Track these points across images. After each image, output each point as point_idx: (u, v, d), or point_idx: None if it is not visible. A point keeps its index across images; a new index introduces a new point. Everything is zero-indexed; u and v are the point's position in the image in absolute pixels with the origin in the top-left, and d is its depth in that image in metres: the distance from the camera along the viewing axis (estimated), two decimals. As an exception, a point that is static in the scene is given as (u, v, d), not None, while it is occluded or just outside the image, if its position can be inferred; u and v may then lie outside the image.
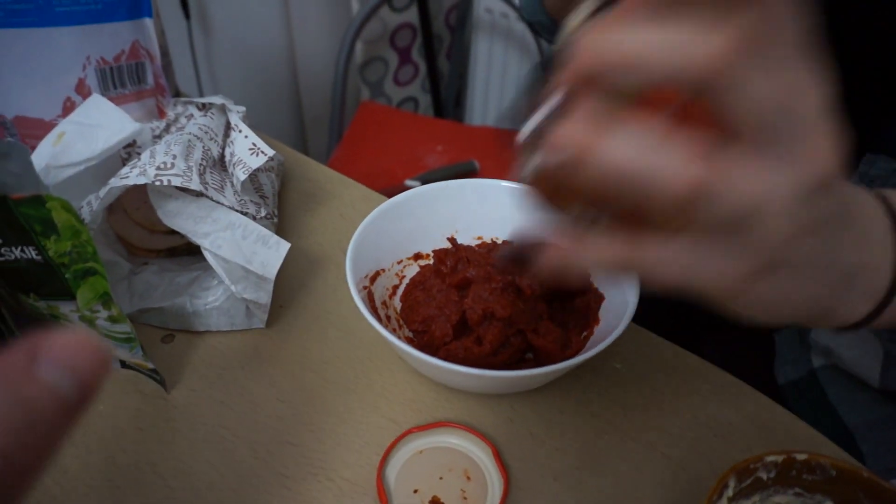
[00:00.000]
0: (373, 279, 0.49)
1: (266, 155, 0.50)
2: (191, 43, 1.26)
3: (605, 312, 0.48)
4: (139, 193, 0.52)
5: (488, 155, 1.28)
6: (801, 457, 0.34)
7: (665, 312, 0.76)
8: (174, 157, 0.48)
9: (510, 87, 1.50)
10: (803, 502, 0.36)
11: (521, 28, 1.39)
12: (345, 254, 0.55)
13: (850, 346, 0.58)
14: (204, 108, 0.60)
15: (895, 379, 0.56)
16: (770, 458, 0.34)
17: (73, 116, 0.52)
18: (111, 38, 0.59)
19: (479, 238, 0.54)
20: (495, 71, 1.50)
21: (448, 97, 1.63)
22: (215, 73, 1.35)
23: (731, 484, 0.34)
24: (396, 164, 1.26)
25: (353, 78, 1.50)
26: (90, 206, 0.47)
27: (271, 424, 0.44)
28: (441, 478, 0.40)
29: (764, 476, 0.35)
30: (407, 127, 1.37)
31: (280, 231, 0.59)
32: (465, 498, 0.40)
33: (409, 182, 1.18)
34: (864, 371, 0.57)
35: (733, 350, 0.70)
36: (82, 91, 0.59)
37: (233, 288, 0.47)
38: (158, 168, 0.47)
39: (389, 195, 0.53)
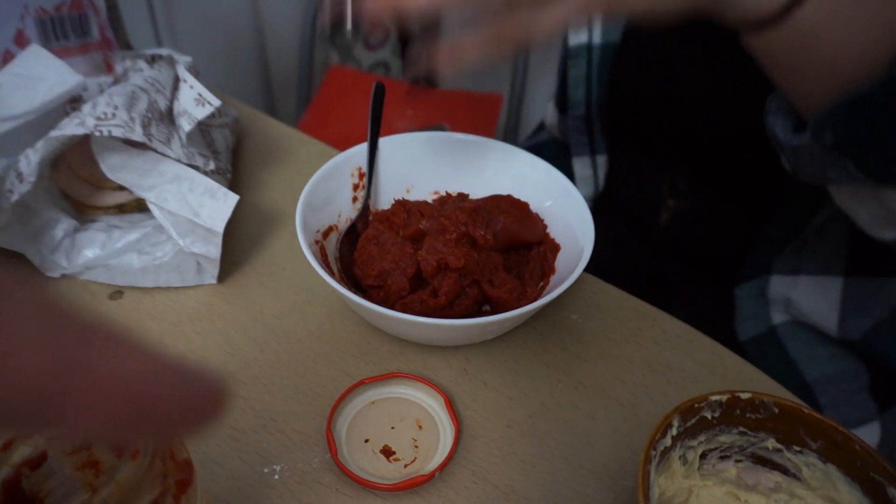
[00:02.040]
0: (325, 234, 0.48)
1: (212, 105, 0.48)
2: (149, 3, 1.22)
3: (560, 263, 0.47)
4: (84, 149, 0.50)
5: (459, 118, 1.27)
6: (744, 395, 0.35)
7: (634, 271, 0.76)
8: (115, 107, 0.46)
9: (482, 50, 1.48)
10: (747, 440, 0.36)
11: (492, -11, 1.37)
12: (299, 209, 0.54)
13: (807, 294, 0.58)
14: (152, 60, 0.58)
15: (852, 328, 0.57)
16: (714, 398, 0.34)
17: (9, 67, 0.49)
18: (50, -13, 0.56)
19: (436, 193, 0.54)
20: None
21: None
22: (177, 36, 1.31)
23: (675, 423, 0.34)
24: (366, 128, 1.24)
25: (322, 42, 1.47)
26: (27, 158, 0.45)
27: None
28: (393, 427, 0.40)
29: (709, 415, 0.35)
30: (377, 91, 1.35)
31: (234, 187, 0.57)
32: (416, 447, 0.39)
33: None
34: (822, 321, 0.57)
35: (700, 308, 0.71)
36: (21, 43, 0.56)
37: (180, 242, 0.46)
38: (98, 118, 0.45)
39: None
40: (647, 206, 0.75)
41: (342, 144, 0.67)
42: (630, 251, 0.78)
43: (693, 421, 0.35)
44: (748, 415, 0.35)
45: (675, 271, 0.76)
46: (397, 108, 1.28)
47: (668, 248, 0.75)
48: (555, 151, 0.86)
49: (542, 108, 1.43)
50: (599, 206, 0.79)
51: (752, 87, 0.61)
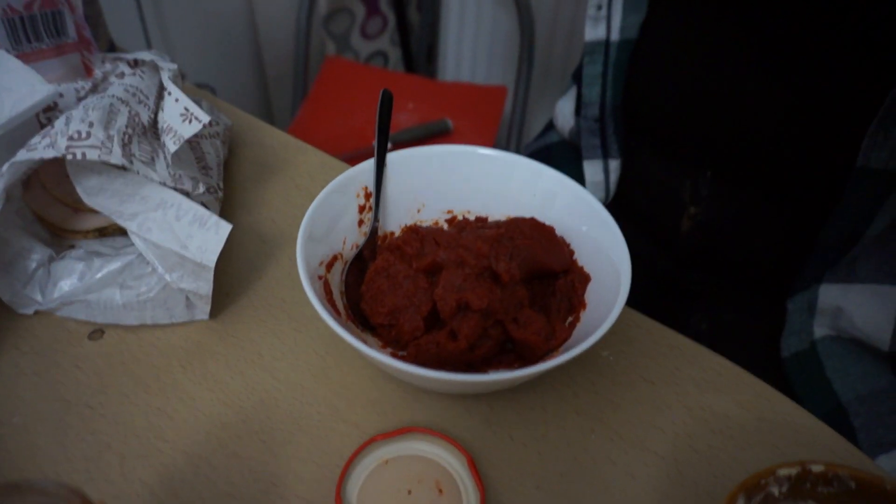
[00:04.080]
0: (329, 266, 0.43)
1: (200, 122, 0.43)
2: (136, -7, 1.15)
3: (591, 295, 0.43)
4: (60, 166, 0.45)
5: (463, 112, 1.21)
6: (816, 468, 0.30)
7: (650, 280, 0.72)
8: (91, 124, 0.41)
9: (484, 40, 1.42)
10: (817, 516, 0.32)
11: (495, -25, 1.30)
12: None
13: (861, 303, 0.54)
14: (135, 64, 0.53)
15: None
16: (783, 472, 0.30)
17: (-29, 77, 0.44)
18: (18, -17, 0.50)
19: (450, 212, 0.49)
20: (468, 23, 1.41)
21: (419, 51, 1.54)
22: (166, 29, 1.24)
23: (741, 503, 0.29)
24: (365, 123, 1.18)
25: (318, 31, 1.40)
26: (-8, 184, 0.40)
27: (216, 434, 0.38)
28: (410, 491, 0.36)
29: (776, 491, 0.30)
30: (376, 83, 1.29)
31: (226, 206, 0.52)
32: (436, 514, 0.35)
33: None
34: (874, 332, 0.54)
35: (727, 320, 0.66)
36: (-12, 47, 0.51)
37: (167, 277, 0.41)
38: (71, 138, 0.40)
39: (355, 160, 0.47)
40: (665, 214, 0.70)
41: (341, 140, 0.62)
42: (646, 260, 0.73)
43: (759, 498, 0.30)
44: (820, 489, 0.31)
45: (696, 281, 0.71)
46: (398, 102, 1.23)
47: (690, 257, 0.70)
48: (564, 154, 0.81)
49: (548, 103, 1.38)
50: (611, 213, 0.74)
51: (792, 84, 0.56)
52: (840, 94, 0.54)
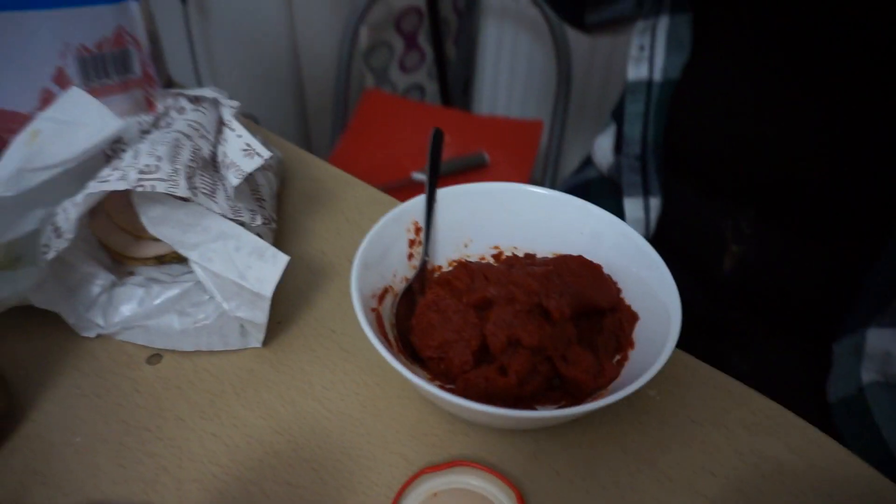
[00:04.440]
0: (381, 298, 0.44)
1: (262, 157, 0.45)
2: (188, 29, 1.20)
3: (639, 334, 0.43)
4: (124, 196, 0.47)
5: (498, 145, 1.23)
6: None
7: (691, 319, 0.71)
8: (159, 158, 0.43)
9: (520, 74, 1.44)
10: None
11: (532, 12, 1.33)
12: (350, 262, 0.51)
13: None
14: (196, 101, 0.55)
15: None
16: (843, 521, 0.30)
17: (49, 112, 0.46)
18: (92, 24, 0.53)
19: (496, 248, 0.50)
20: (505, 57, 1.44)
21: (456, 85, 1.57)
22: (214, 62, 1.29)
23: (800, 552, 0.29)
24: (403, 155, 1.21)
25: (357, 64, 1.44)
26: (65, 213, 0.42)
27: (268, 461, 0.39)
28: (458, 526, 0.36)
29: (836, 541, 0.30)
30: (413, 116, 1.32)
31: (279, 237, 0.54)
32: (485, 550, 0.35)
33: (415, 175, 1.12)
34: None
35: (770, 361, 0.65)
36: (61, 81, 0.54)
37: (225, 305, 0.43)
38: (141, 171, 0.42)
39: (394, 191, 0.48)
40: (706, 252, 0.70)
41: (379, 171, 0.64)
42: (686, 298, 0.73)
43: (817, 547, 0.30)
44: (881, 540, 0.30)
45: (737, 321, 0.70)
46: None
47: (731, 296, 0.70)
48: (603, 190, 0.82)
49: (584, 137, 1.39)
50: None
51: (837, 126, 0.56)
52: (884, 134, 0.54)
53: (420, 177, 1.11)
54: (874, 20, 0.51)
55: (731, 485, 0.39)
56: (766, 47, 0.60)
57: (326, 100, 1.42)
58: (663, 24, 0.69)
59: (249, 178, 0.52)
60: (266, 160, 0.45)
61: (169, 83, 0.72)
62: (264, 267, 0.42)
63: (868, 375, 0.57)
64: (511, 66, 1.45)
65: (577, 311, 0.43)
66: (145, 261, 0.50)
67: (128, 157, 0.44)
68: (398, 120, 1.30)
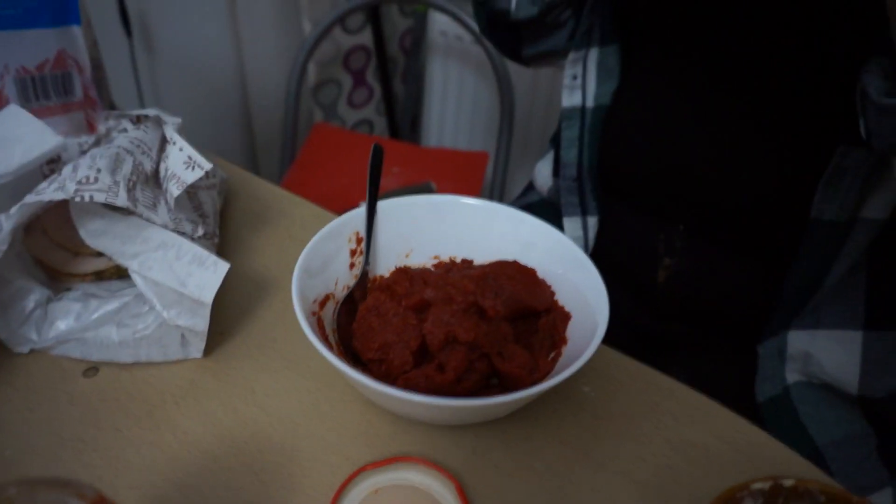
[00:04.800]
0: (322, 304, 0.45)
1: (202, 169, 0.46)
2: (133, 62, 1.20)
3: (572, 332, 0.45)
4: (62, 212, 0.47)
5: (446, 176, 1.26)
6: (787, 483, 0.32)
7: (630, 332, 0.74)
8: (99, 170, 0.43)
9: (466, 109, 1.49)
10: (791, 532, 0.33)
11: (476, 50, 1.39)
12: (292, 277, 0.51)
13: (827, 349, 0.57)
14: (138, 121, 0.56)
15: (873, 386, 0.55)
16: (756, 486, 0.32)
17: (-15, 128, 0.46)
18: (34, 46, 0.54)
19: (436, 258, 0.51)
20: (451, 93, 1.49)
21: (404, 120, 1.61)
22: (160, 95, 1.30)
23: (717, 516, 0.31)
24: (351, 186, 1.22)
25: (306, 100, 1.47)
26: None
27: (208, 467, 0.39)
28: (399, 520, 0.36)
29: (750, 505, 0.32)
30: (361, 148, 1.34)
31: (222, 252, 0.54)
32: (426, 542, 0.36)
33: (363, 204, 1.14)
34: (842, 377, 0.56)
35: (705, 369, 0.68)
36: (0, 101, 0.54)
37: (165, 314, 0.43)
38: (80, 182, 0.42)
39: (343, 218, 0.50)
40: (642, 266, 0.73)
41: (327, 202, 0.65)
42: (624, 312, 0.76)
43: (734, 512, 0.32)
44: (792, 503, 0.32)
45: (674, 332, 0.74)
46: (384, 166, 1.28)
47: (667, 308, 0.73)
48: (545, 212, 0.85)
49: (527, 166, 1.44)
50: None
51: (751, 146, 0.61)
52: (794, 154, 0.59)
53: (368, 206, 1.12)
54: (794, 47, 0.56)
55: (663, 471, 0.41)
56: (688, 74, 0.65)
57: (275, 133, 1.43)
58: (593, 55, 0.74)
59: (192, 196, 0.53)
60: (207, 170, 0.46)
61: (111, 108, 0.73)
62: (205, 274, 0.42)
63: (792, 376, 0.60)
64: (457, 101, 1.50)
65: (513, 312, 0.45)
66: (84, 277, 0.49)
67: (66, 170, 0.44)
68: (347, 152, 1.33)
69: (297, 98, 1.30)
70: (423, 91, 1.53)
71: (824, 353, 0.58)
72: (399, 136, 1.59)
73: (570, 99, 0.75)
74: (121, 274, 0.49)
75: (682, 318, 0.72)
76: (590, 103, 0.74)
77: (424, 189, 1.20)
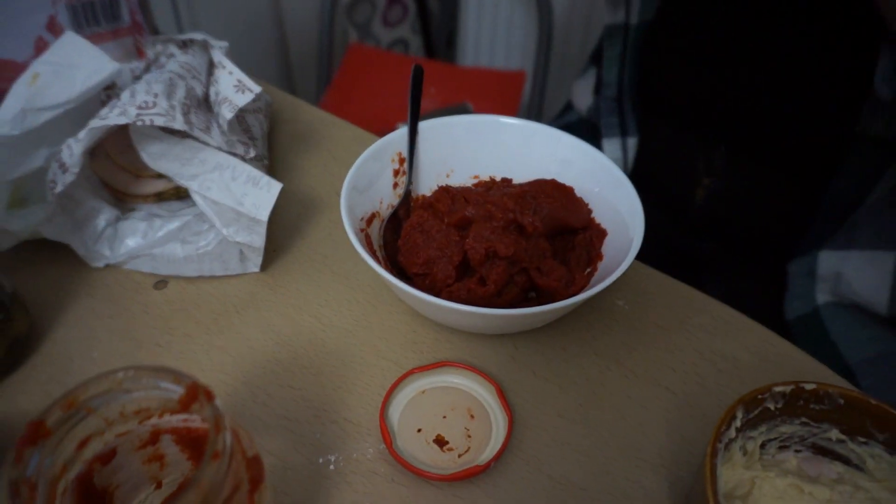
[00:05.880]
0: (368, 221, 0.47)
1: (252, 92, 0.47)
2: (169, -17, 1.20)
3: (607, 248, 0.46)
4: (123, 137, 0.50)
5: (482, 96, 1.25)
6: (808, 386, 0.34)
7: (666, 251, 0.75)
8: (156, 95, 0.45)
9: (503, 25, 1.45)
10: (809, 431, 0.35)
11: (513, -37, 1.34)
12: (338, 197, 0.54)
13: (859, 269, 0.57)
14: (184, 45, 0.57)
15: None
16: (778, 389, 0.34)
17: (46, 56, 0.49)
18: (82, -29, 0.55)
19: (476, 177, 0.53)
20: (487, 10, 1.45)
21: (439, 38, 1.58)
22: (196, 15, 1.30)
23: (739, 415, 0.33)
24: (387, 107, 1.22)
25: (340, 19, 1.45)
26: (69, 149, 0.45)
27: (270, 368, 0.43)
28: (444, 417, 0.40)
29: (771, 406, 0.34)
30: (397, 69, 1.33)
31: (271, 174, 0.57)
32: (469, 436, 0.39)
33: (400, 125, 1.15)
34: (872, 296, 0.57)
35: (738, 287, 0.70)
36: (54, 29, 0.56)
37: (224, 231, 0.46)
38: (139, 107, 0.44)
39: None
40: (680, 185, 0.74)
41: (364, 123, 0.66)
42: (661, 231, 0.77)
43: (756, 412, 0.34)
44: (812, 406, 0.34)
45: (709, 250, 0.75)
46: (419, 87, 1.27)
47: (702, 226, 0.74)
48: (584, 132, 0.85)
49: (566, 85, 1.41)
50: None
51: (796, 59, 0.60)
52: (840, 66, 0.57)
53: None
54: None
55: (691, 378, 0.44)
56: None
57: (310, 54, 1.43)
58: None
59: (241, 120, 0.55)
60: (256, 94, 0.47)
61: (155, 33, 0.74)
62: (259, 194, 0.45)
63: (822, 296, 0.61)
64: (493, 17, 1.45)
65: (551, 229, 0.46)
66: (145, 198, 0.53)
67: (125, 96, 0.47)
68: (383, 73, 1.32)
69: (331, 17, 1.29)
70: (459, 8, 1.49)
71: (855, 273, 0.58)
72: (435, 54, 1.56)
73: (614, 16, 0.73)
74: (179, 195, 0.53)
75: (716, 236, 0.73)
76: (634, 20, 0.72)
77: (461, 110, 1.20)
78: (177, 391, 0.26)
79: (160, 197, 0.53)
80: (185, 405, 0.26)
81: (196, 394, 0.26)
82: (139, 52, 0.63)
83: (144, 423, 0.29)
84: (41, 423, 0.24)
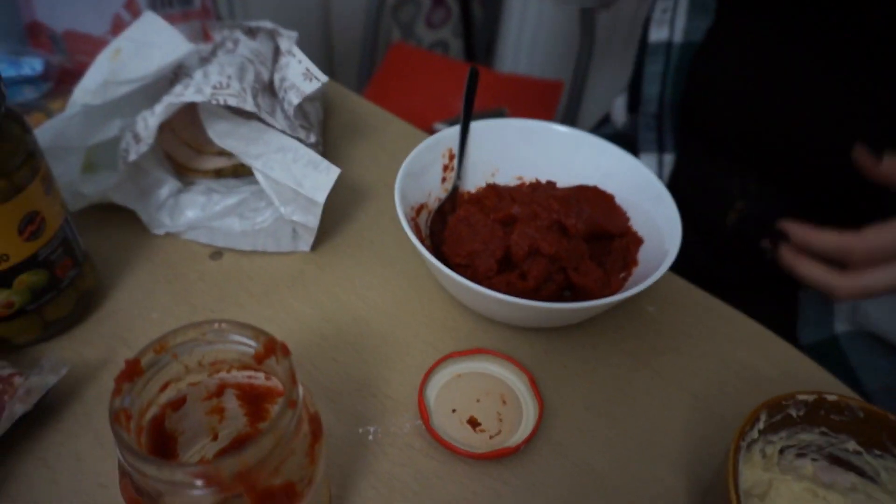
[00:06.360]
0: (418, 211, 0.50)
1: (319, 81, 0.50)
2: (224, -28, 1.24)
3: (643, 255, 0.49)
4: (187, 113, 0.53)
5: (519, 103, 1.27)
6: (831, 398, 0.36)
7: (689, 269, 0.77)
8: (229, 77, 0.48)
9: (544, 37, 1.48)
10: (827, 441, 0.37)
11: (559, -26, 1.36)
12: (385, 187, 0.57)
13: (878, 301, 0.58)
14: (251, 32, 0.60)
15: None
16: (801, 397, 0.36)
17: (129, 33, 0.52)
18: (162, -44, 0.58)
19: (520, 178, 0.55)
20: (529, 19, 1.47)
21: (480, 43, 1.60)
22: (248, 6, 1.33)
23: (763, 418, 0.35)
24: (425, 106, 1.25)
25: (385, 18, 1.48)
26: (145, 121, 0.48)
27: (316, 342, 0.45)
28: (478, 400, 0.42)
29: (794, 413, 0.36)
30: (437, 70, 1.36)
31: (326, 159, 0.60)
32: (500, 420, 0.42)
33: (437, 125, 1.17)
34: (891, 328, 0.58)
35: (756, 310, 0.71)
36: (131, 8, 0.59)
37: (282, 209, 0.48)
38: (214, 87, 0.47)
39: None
40: (713, 207, 0.75)
41: (402, 119, 0.70)
42: (689, 251, 0.78)
43: (778, 417, 0.36)
44: (832, 416, 0.36)
45: (736, 274, 0.76)
46: (456, 89, 1.29)
47: (730, 250, 0.75)
48: (619, 146, 0.87)
49: (602, 98, 1.43)
50: None
51: (843, 99, 0.61)
52: (889, 104, 0.59)
53: (440, 126, 1.16)
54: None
55: (713, 385, 0.46)
56: (785, 18, 0.64)
57: (352, 51, 1.46)
58: None
59: (299, 106, 0.58)
60: (323, 83, 0.50)
61: (218, 19, 0.77)
62: (318, 176, 0.48)
63: (841, 325, 0.62)
64: (535, 28, 1.48)
65: (591, 232, 0.49)
66: (205, 173, 0.56)
67: (198, 75, 0.50)
68: (422, 73, 1.35)
69: (377, 15, 1.32)
70: (501, 14, 1.52)
71: (873, 303, 0.59)
72: (474, 58, 1.59)
73: (658, 33, 0.75)
74: (237, 173, 0.55)
75: (742, 261, 0.74)
76: (678, 38, 0.74)
77: (497, 115, 1.22)
78: (254, 346, 0.29)
79: (219, 173, 0.56)
80: (259, 359, 0.29)
81: (273, 348, 0.28)
82: (206, 36, 0.66)
83: (213, 376, 0.32)
84: (137, 362, 0.27)
